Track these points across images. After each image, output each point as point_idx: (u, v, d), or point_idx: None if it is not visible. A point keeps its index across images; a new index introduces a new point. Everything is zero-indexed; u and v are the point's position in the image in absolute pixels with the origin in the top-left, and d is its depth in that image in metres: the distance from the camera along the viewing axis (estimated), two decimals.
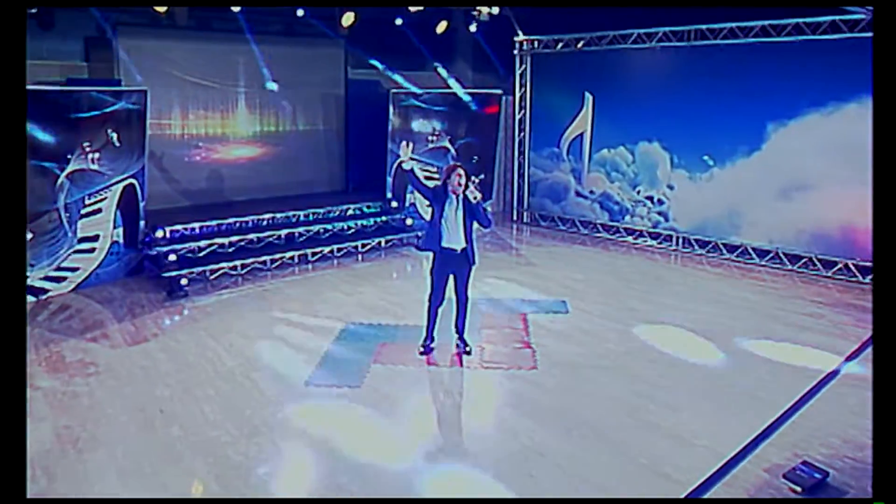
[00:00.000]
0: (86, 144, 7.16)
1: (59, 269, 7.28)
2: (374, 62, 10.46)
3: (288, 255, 8.76)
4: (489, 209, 11.05)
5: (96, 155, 7.28)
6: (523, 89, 11.32)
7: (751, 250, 9.11)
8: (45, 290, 7.21)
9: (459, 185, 5.54)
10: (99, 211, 7.50)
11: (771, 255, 8.98)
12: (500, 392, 5.31)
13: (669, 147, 9.72)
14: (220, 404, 4.92)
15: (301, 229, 9.21)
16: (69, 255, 7.33)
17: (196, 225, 8.46)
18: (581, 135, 10.66)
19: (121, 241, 7.85)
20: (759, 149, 8.84)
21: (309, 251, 8.95)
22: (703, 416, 4.83)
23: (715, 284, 8.25)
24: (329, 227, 9.47)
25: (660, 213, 10.00)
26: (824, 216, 8.40)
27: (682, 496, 3.92)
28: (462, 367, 5.68)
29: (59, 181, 7.01)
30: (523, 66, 11.26)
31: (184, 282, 7.48)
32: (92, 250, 7.56)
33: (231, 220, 8.77)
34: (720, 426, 4.67)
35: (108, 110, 7.30)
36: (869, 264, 8.07)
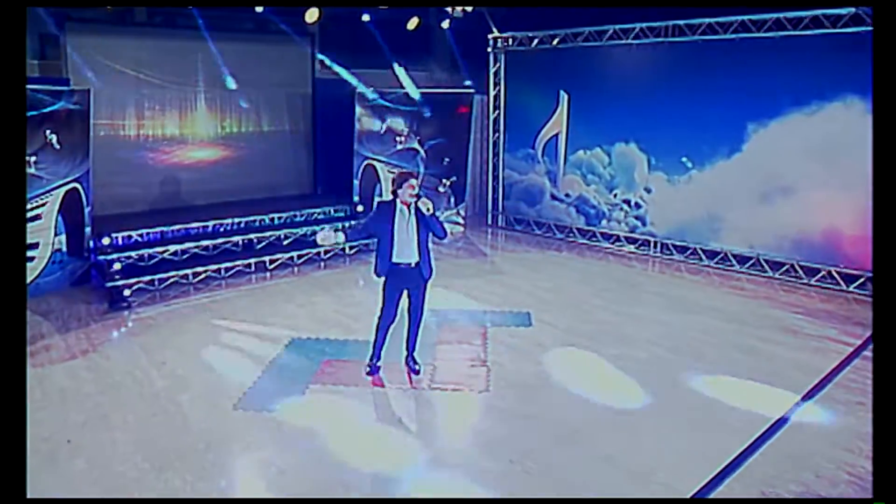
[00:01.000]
0: None
1: None
2: (323, 58, 10.04)
3: (244, 262, 8.36)
4: (460, 213, 10.69)
5: (33, 158, 6.86)
6: (497, 88, 10.90)
7: (731, 256, 8.72)
8: None
9: (412, 195, 5.10)
10: (38, 217, 7.08)
11: (752, 261, 8.59)
12: (445, 419, 4.92)
13: (647, 148, 9.31)
14: (136, 433, 4.52)
15: (263, 234, 8.81)
16: None
17: (148, 231, 8.06)
18: (556, 135, 10.26)
19: (64, 248, 7.44)
20: (739, 150, 8.44)
21: (267, 258, 8.55)
22: (662, 448, 4.44)
23: (691, 293, 7.86)
24: (293, 231, 9.07)
25: (637, 218, 9.60)
26: (807, 221, 8.02)
27: None
28: (409, 389, 5.28)
29: None
30: (497, 64, 10.84)
31: (127, 293, 7.08)
32: (31, 259, 7.14)
33: (188, 226, 8.37)
34: (680, 460, 4.28)
35: (45, 111, 6.88)
36: (853, 272, 7.69)
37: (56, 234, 7.32)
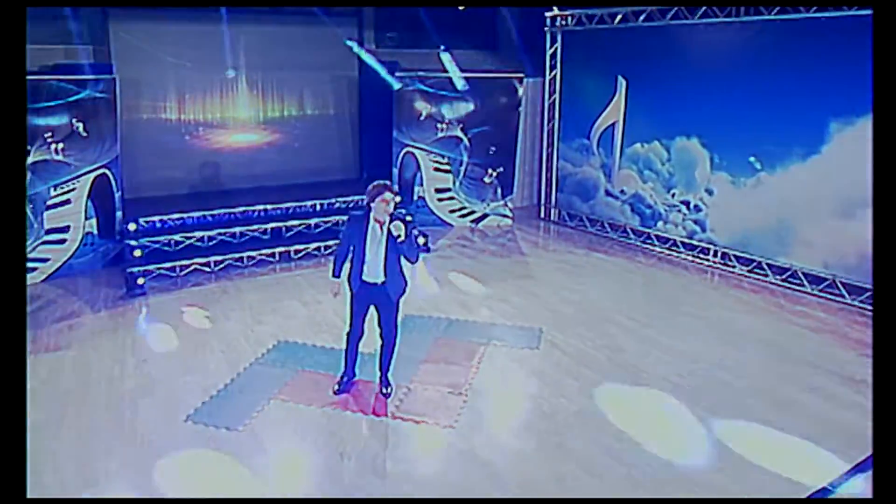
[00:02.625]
0: (48, 135, 7.01)
1: (28, 259, 7.26)
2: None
3: (269, 251, 8.31)
4: (508, 206, 10.02)
5: (60, 145, 7.11)
6: (554, 71, 10.02)
7: (801, 275, 7.49)
8: None
9: (385, 212, 4.64)
10: (68, 202, 7.38)
11: (826, 282, 7.33)
12: (391, 457, 4.48)
13: (710, 145, 8.16)
14: (81, 441, 4.50)
15: (294, 222, 8.69)
16: (36, 245, 7.29)
17: (178, 216, 8.17)
18: (613, 125, 9.28)
19: (94, 231, 7.73)
20: (817, 152, 7.15)
21: (293, 248, 8.44)
22: None
23: (743, 318, 6.82)
24: (325, 220, 8.88)
25: (696, 222, 8.51)
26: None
27: None
28: (369, 416, 4.91)
29: None
30: (555, 45, 9.93)
31: (141, 280, 7.22)
32: (63, 241, 7.48)
33: (215, 212, 8.41)
34: None
35: (71, 99, 7.08)
36: None
37: (86, 218, 7.60)
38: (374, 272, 4.81)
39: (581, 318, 6.72)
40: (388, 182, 4.82)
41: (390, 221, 4.63)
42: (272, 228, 8.56)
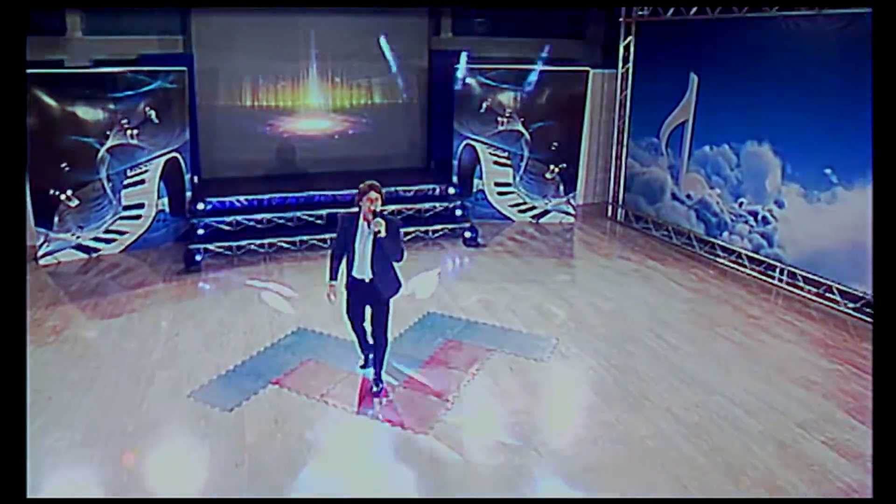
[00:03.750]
0: (124, 122, 7.77)
1: (107, 231, 8.15)
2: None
3: (320, 237, 8.68)
4: (571, 203, 9.68)
5: (135, 131, 7.86)
6: (627, 64, 9.45)
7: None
8: (97, 249, 8.15)
9: (371, 210, 4.79)
10: (142, 182, 8.17)
11: None
12: (349, 458, 4.57)
13: (782, 152, 7.36)
14: (98, 404, 5.06)
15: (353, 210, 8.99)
16: (115, 220, 8.15)
17: (243, 198, 8.76)
18: (682, 125, 8.62)
19: (166, 209, 8.50)
20: None
21: None
22: None
23: (790, 348, 6.17)
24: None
25: (763, 235, 7.75)
26: None
27: None
28: (351, 412, 5.06)
29: (100, 155, 7.75)
30: (629, 37, 9.35)
31: (198, 257, 7.86)
32: (138, 217, 8.31)
33: (283, 195, 8.90)
34: None
35: (144, 90, 7.79)
36: None
37: (159, 197, 8.37)
38: (362, 268, 4.97)
39: (604, 333, 6.42)
40: (374, 182, 4.93)
41: (374, 219, 4.75)
42: (327, 214, 8.94)
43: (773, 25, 7.23)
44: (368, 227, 4.84)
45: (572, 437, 4.82)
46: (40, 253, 7.76)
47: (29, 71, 7.23)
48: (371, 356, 5.43)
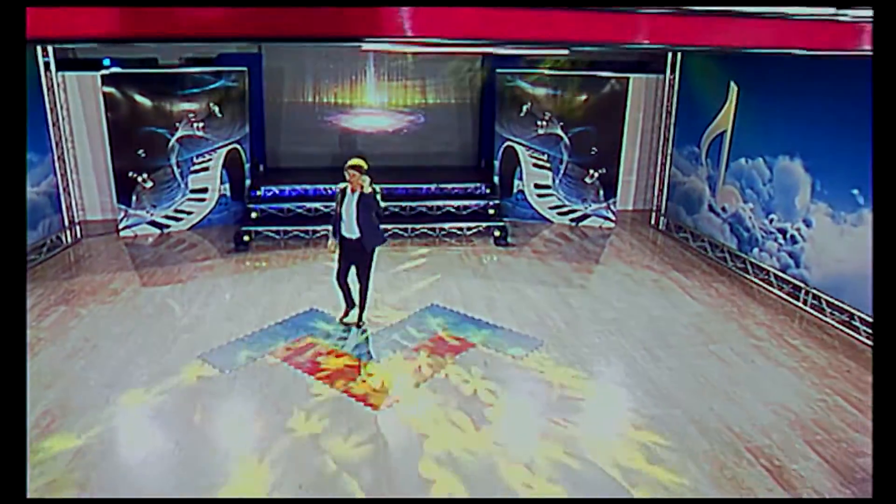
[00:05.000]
0: (191, 115, 8.85)
1: (177, 211, 9.33)
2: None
3: None
4: (611, 208, 9.65)
5: (201, 124, 8.93)
6: (674, 71, 9.24)
7: None
8: (167, 226, 9.36)
9: (352, 180, 6.13)
10: (206, 169, 9.25)
11: None
12: (311, 419, 5.15)
13: (812, 168, 7.01)
14: (125, 354, 5.99)
15: (399, 203, 9.59)
16: (184, 201, 9.30)
17: (296, 187, 9.63)
18: (721, 135, 8.36)
19: (228, 194, 9.55)
20: None
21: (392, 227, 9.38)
22: None
23: (780, 372, 5.95)
24: (425, 203, 9.60)
25: (790, 255, 7.41)
26: None
27: None
28: (326, 385, 5.63)
29: (170, 144, 8.89)
30: None
31: (246, 238, 8.80)
32: (203, 199, 9.42)
33: (329, 187, 9.68)
34: None
35: (208, 88, 8.83)
36: None
37: (221, 183, 9.43)
38: (350, 229, 6.25)
39: (592, 341, 6.53)
40: (356, 161, 6.17)
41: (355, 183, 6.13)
42: None
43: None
44: (353, 194, 6.13)
45: (497, 437, 5.07)
46: (121, 226, 9.06)
47: (110, 71, 8.52)
48: (352, 309, 6.67)
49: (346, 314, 6.75)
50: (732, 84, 8.08)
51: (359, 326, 6.63)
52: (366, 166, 6.20)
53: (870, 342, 6.44)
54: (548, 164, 9.82)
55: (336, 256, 6.51)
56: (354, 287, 6.61)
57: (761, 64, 7.60)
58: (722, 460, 4.76)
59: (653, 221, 10.17)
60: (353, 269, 6.51)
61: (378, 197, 6.22)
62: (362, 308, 6.67)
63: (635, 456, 4.77)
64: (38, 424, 4.94)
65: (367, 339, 6.48)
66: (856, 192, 6.52)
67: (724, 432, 5.09)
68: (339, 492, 4.35)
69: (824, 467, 4.69)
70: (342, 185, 6.31)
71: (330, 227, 6.55)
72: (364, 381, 5.72)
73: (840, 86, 6.58)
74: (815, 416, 5.33)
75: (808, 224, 7.16)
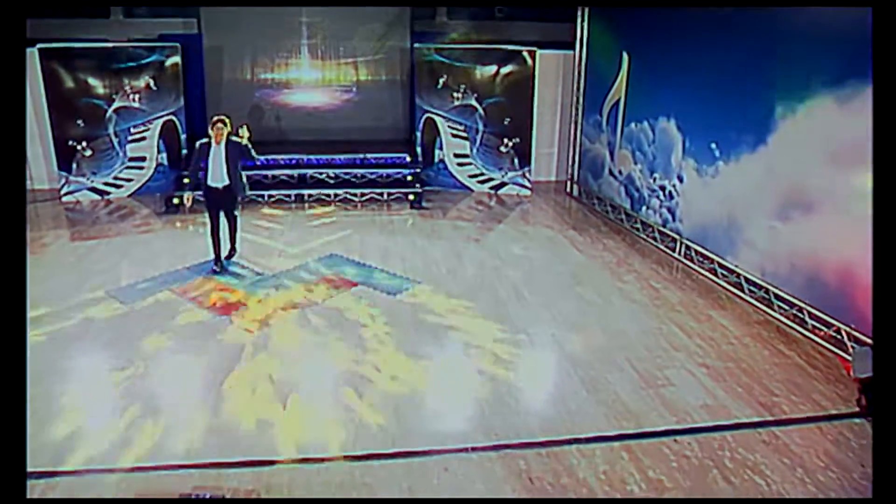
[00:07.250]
0: (127, 88, 9.48)
1: (116, 178, 9.95)
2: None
3: (285, 193, 9.97)
4: (527, 177, 10.18)
5: (137, 96, 9.55)
6: (581, 44, 9.79)
7: (743, 281, 6.75)
8: (108, 193, 9.98)
9: (219, 133, 6.81)
10: (144, 139, 9.87)
11: (762, 290, 6.54)
12: (194, 341, 5.73)
13: (683, 128, 7.55)
14: (45, 292, 6.56)
15: (326, 170, 10.21)
16: (122, 169, 9.93)
17: None
18: (617, 102, 8.90)
19: (165, 163, 10.16)
20: (764, 142, 6.34)
21: (306, 192, 10.00)
22: None
23: (634, 312, 6.47)
24: (352, 172, 10.22)
25: (669, 210, 7.95)
26: (821, 254, 5.76)
27: None
28: (203, 310, 6.25)
29: (108, 114, 9.52)
30: (583, 15, 9.68)
31: (175, 201, 9.38)
32: (141, 168, 10.03)
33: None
34: None
35: (143, 62, 9.45)
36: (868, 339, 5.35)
37: (158, 152, 10.04)
38: (217, 178, 6.91)
39: (469, 283, 7.08)
40: (221, 116, 6.92)
41: (229, 135, 6.89)
42: (298, 175, 10.19)
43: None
44: (219, 146, 6.78)
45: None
46: (62, 192, 9.69)
47: (48, 46, 9.14)
48: (215, 260, 7.20)
49: (215, 269, 7.16)
50: (625, 54, 8.63)
51: (230, 257, 7.42)
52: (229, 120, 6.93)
53: (726, 284, 6.99)
54: (465, 135, 10.38)
55: (207, 214, 7.20)
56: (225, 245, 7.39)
57: (649, 34, 8.14)
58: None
59: (567, 189, 10.71)
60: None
61: (250, 147, 6.99)
62: (234, 240, 7.53)
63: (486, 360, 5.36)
64: None
65: (259, 279, 7.07)
66: (713, 146, 7.05)
67: (558, 351, 5.66)
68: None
69: (633, 376, 5.25)
70: (204, 140, 6.93)
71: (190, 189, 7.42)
72: (245, 311, 6.33)
73: (705, 50, 7.11)
74: (645, 340, 5.89)
75: (681, 179, 7.70)
